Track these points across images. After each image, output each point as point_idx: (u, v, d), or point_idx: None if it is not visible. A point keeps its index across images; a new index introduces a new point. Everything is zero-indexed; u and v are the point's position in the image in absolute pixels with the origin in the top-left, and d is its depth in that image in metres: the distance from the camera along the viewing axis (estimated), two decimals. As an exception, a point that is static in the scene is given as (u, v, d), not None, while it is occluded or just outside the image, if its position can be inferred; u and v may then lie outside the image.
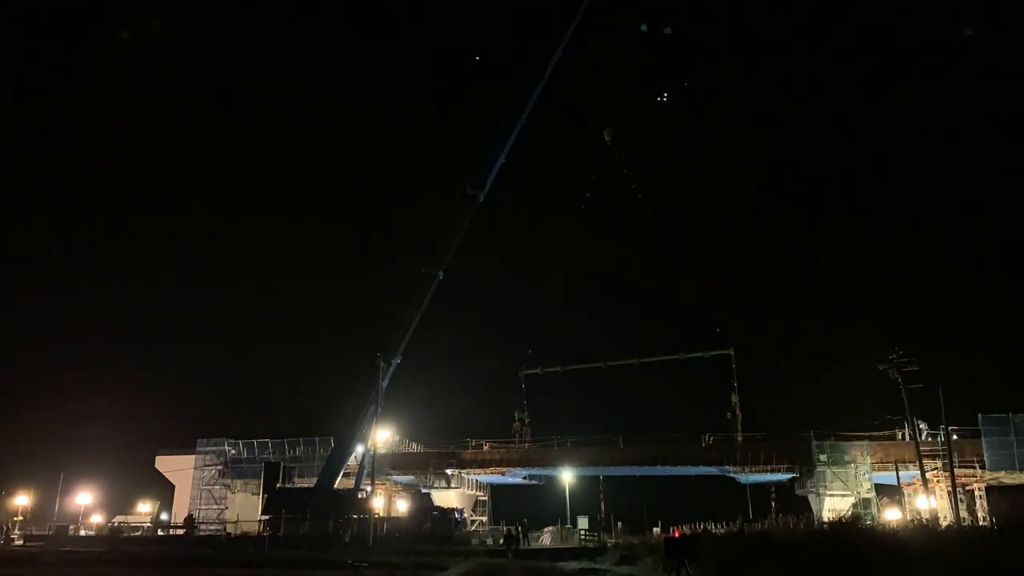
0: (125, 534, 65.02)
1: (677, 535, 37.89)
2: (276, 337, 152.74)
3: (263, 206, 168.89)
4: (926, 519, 38.21)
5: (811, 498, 61.74)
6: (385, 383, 61.61)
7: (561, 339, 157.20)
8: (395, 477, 73.01)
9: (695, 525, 54.26)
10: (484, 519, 74.66)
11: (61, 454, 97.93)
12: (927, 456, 52.32)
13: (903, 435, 58.74)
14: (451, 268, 62.66)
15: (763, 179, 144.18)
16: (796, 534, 38.76)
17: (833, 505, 57.70)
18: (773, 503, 67.88)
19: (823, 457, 60.91)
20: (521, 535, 50.41)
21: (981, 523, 47.08)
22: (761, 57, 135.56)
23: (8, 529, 67.28)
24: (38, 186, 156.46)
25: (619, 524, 70.22)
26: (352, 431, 62.58)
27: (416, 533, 56.00)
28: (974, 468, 55.95)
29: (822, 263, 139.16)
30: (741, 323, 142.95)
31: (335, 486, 63.01)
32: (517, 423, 77.14)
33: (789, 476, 64.46)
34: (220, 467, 76.32)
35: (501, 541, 49.23)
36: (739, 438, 67.87)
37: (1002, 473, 56.06)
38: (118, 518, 76.01)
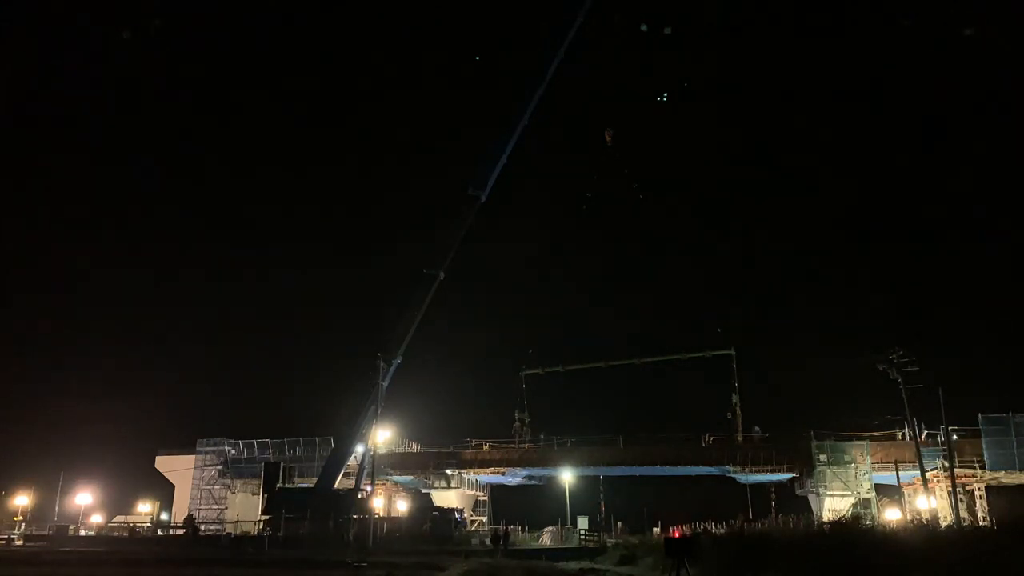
0: (134, 534, 65.02)
1: (677, 535, 37.87)
2: (276, 337, 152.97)
3: (263, 206, 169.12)
4: (926, 519, 38.28)
5: (811, 498, 61.76)
6: (385, 383, 61.57)
7: (562, 339, 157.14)
8: (395, 477, 73.01)
9: (695, 525, 54.23)
10: (484, 519, 74.63)
11: (61, 454, 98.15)
12: (927, 456, 52.35)
13: (903, 435, 58.75)
14: (452, 268, 62.74)
15: (764, 179, 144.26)
16: (796, 534, 38.80)
17: (833, 505, 57.71)
18: (773, 503, 67.99)
19: (823, 457, 60.91)
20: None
21: (981, 523, 47.10)
22: (762, 56, 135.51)
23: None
24: (37, 186, 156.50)
25: (619, 524, 70.32)
26: (352, 431, 62.56)
27: (416, 533, 56.01)
28: (974, 468, 55.99)
29: (823, 263, 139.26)
30: (742, 323, 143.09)
31: (335, 486, 63.00)
32: (517, 423, 77.07)
33: (789, 476, 64.50)
34: (220, 467, 76.32)
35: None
36: (739, 438, 67.86)
37: (1002, 473, 56.11)
38: (118, 518, 76.03)
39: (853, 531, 28.81)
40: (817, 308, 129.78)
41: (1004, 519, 33.33)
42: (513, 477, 74.54)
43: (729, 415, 70.03)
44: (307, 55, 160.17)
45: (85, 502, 75.05)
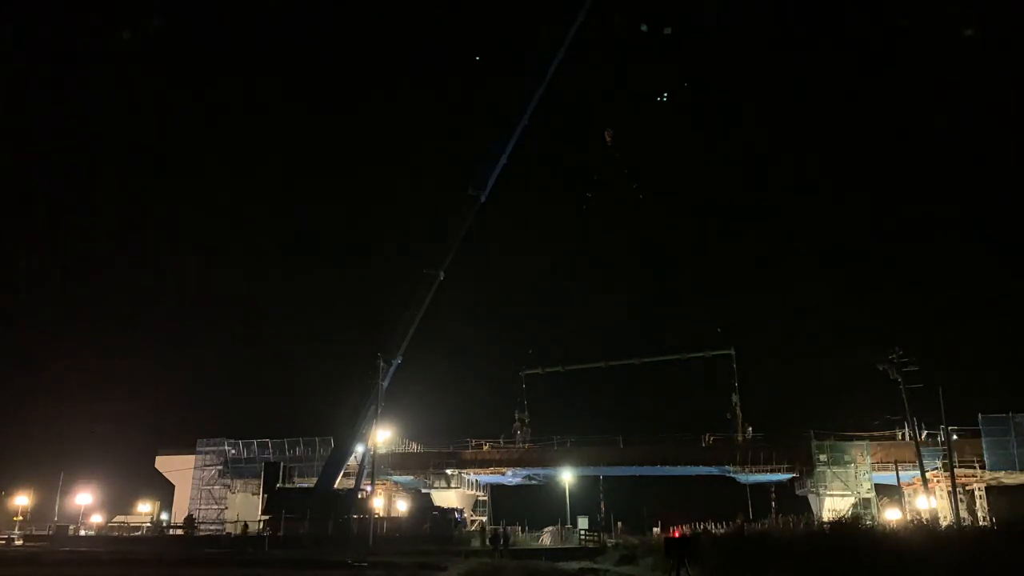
0: (132, 533, 65.03)
1: (677, 535, 37.88)
2: (276, 337, 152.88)
3: (263, 206, 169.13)
4: (926, 519, 38.26)
5: (811, 498, 61.74)
6: (385, 383, 61.63)
7: (562, 339, 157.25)
8: (395, 477, 73.00)
9: (695, 525, 54.24)
10: (484, 519, 74.58)
11: (61, 454, 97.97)
12: (927, 456, 52.35)
13: (903, 435, 58.74)
14: (452, 267, 62.72)
15: (765, 179, 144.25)
16: (796, 534, 38.80)
17: (833, 505, 57.70)
18: (773, 503, 67.92)
19: (823, 457, 60.88)
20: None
21: (981, 523, 47.10)
22: (762, 56, 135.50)
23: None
24: (37, 187, 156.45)
25: (619, 524, 70.37)
26: (352, 431, 62.59)
27: (416, 533, 55.99)
28: (974, 468, 55.98)
29: (823, 263, 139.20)
30: (742, 323, 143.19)
31: (335, 486, 63.03)
32: (517, 423, 76.96)
33: (789, 476, 64.46)
34: (220, 467, 76.29)
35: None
36: (739, 438, 67.84)
37: (1002, 473, 56.08)
38: (118, 518, 76.01)
39: (853, 531, 28.79)
40: (818, 308, 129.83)
41: (1004, 519, 33.32)
42: (513, 477, 74.52)
43: (729, 415, 70.02)
44: (307, 55, 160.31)
45: (85, 502, 74.95)
